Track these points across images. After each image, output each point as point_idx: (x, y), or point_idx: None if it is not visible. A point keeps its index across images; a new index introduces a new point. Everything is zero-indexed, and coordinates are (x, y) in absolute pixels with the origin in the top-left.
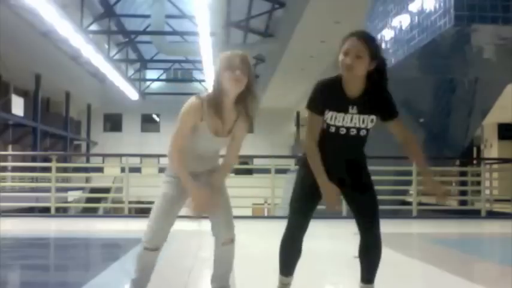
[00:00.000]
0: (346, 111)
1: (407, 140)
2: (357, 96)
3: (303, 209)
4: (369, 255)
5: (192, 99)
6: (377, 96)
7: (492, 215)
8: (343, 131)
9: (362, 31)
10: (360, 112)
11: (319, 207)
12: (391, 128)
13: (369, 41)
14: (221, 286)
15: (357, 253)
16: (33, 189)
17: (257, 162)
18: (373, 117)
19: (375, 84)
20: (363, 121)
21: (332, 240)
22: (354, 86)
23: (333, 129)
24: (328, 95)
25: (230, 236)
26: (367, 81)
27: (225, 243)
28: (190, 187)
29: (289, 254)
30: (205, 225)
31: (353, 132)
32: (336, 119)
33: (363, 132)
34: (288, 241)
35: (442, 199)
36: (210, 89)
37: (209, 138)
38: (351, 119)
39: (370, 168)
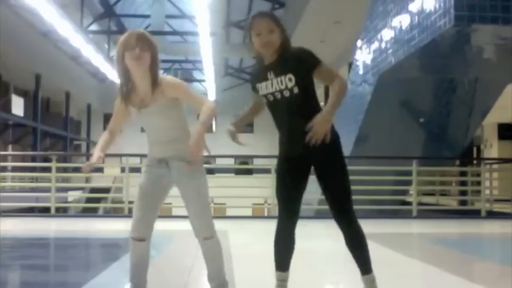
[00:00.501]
0: (266, 78)
1: (332, 84)
2: (271, 63)
3: (285, 197)
4: (353, 247)
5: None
6: (290, 56)
7: (492, 215)
8: (270, 98)
9: (260, 11)
10: (277, 75)
11: (321, 207)
12: (319, 77)
13: (272, 16)
14: (219, 283)
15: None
16: (33, 189)
17: (257, 162)
18: (290, 75)
19: (285, 49)
20: (281, 82)
21: (332, 240)
22: (271, 57)
23: (265, 100)
24: (255, 73)
25: (206, 233)
26: (282, 49)
27: (206, 239)
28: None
29: (282, 247)
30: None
31: (278, 96)
32: (261, 89)
33: (286, 93)
34: (278, 234)
35: (317, 135)
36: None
37: (140, 116)
38: (271, 84)
39: (370, 168)
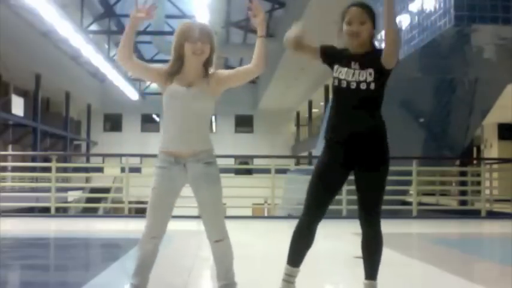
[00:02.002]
0: (349, 66)
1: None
2: (359, 54)
3: (320, 196)
4: (369, 251)
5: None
6: (376, 53)
7: (492, 215)
8: (344, 84)
9: (360, 1)
10: (362, 68)
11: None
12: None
13: (369, 9)
14: (227, 283)
15: (356, 253)
16: (33, 189)
17: (257, 162)
18: (371, 70)
19: (373, 44)
20: (363, 75)
21: (332, 240)
22: (357, 48)
23: (336, 82)
24: (339, 52)
25: (218, 237)
26: (370, 45)
27: (217, 241)
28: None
29: (302, 242)
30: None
31: (353, 85)
32: (339, 72)
33: (363, 86)
34: (302, 229)
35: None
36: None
37: (182, 95)
38: (353, 74)
39: None
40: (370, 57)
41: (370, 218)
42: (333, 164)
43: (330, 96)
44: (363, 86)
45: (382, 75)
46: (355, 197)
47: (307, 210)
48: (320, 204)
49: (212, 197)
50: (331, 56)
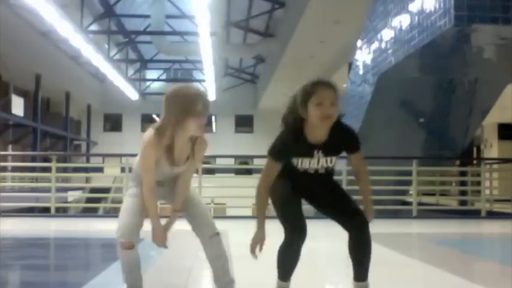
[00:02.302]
0: (311, 156)
1: (362, 171)
2: (321, 142)
3: (297, 210)
4: (358, 250)
5: (149, 133)
6: (340, 136)
7: (492, 215)
8: (311, 171)
9: (326, 80)
10: (326, 154)
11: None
12: (353, 159)
13: (336, 89)
14: (228, 281)
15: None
16: (33, 189)
17: (257, 162)
18: (335, 157)
19: (335, 125)
20: (331, 161)
21: (332, 240)
22: (320, 134)
23: (301, 170)
24: (292, 145)
25: (214, 230)
26: (332, 128)
27: (211, 237)
28: (153, 224)
29: (294, 259)
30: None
31: (321, 171)
32: (303, 163)
33: (329, 169)
34: (294, 246)
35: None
36: (162, 124)
37: (167, 168)
38: (318, 161)
39: (370, 168)
40: (334, 142)
41: (357, 217)
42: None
43: None
44: (329, 169)
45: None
46: (355, 197)
47: (292, 227)
48: (302, 219)
49: (195, 195)
50: (285, 155)
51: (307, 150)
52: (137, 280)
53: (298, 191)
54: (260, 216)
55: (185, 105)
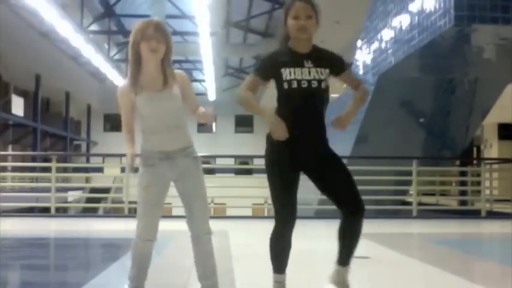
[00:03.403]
0: (302, 65)
1: (357, 84)
2: (308, 52)
3: (289, 198)
4: (350, 233)
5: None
6: (324, 53)
7: (492, 215)
8: (304, 84)
9: None
10: (316, 65)
11: (321, 207)
12: (344, 79)
13: (313, 3)
14: (213, 282)
15: (357, 253)
16: (33, 189)
17: (257, 162)
18: (327, 70)
19: (318, 46)
20: (321, 72)
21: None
22: (304, 46)
23: (294, 84)
24: (279, 58)
25: (208, 229)
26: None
27: (201, 235)
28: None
29: (286, 249)
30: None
31: (314, 84)
32: (295, 73)
33: (323, 84)
34: (284, 236)
35: (340, 127)
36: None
37: (149, 101)
38: (309, 72)
39: (370, 168)
40: (322, 55)
41: (358, 200)
42: (291, 169)
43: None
44: (323, 85)
45: (329, 76)
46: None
47: (281, 216)
48: (293, 207)
49: (202, 188)
50: (271, 68)
51: (295, 59)
52: (141, 280)
53: (298, 155)
54: (254, 106)
55: (137, 32)
